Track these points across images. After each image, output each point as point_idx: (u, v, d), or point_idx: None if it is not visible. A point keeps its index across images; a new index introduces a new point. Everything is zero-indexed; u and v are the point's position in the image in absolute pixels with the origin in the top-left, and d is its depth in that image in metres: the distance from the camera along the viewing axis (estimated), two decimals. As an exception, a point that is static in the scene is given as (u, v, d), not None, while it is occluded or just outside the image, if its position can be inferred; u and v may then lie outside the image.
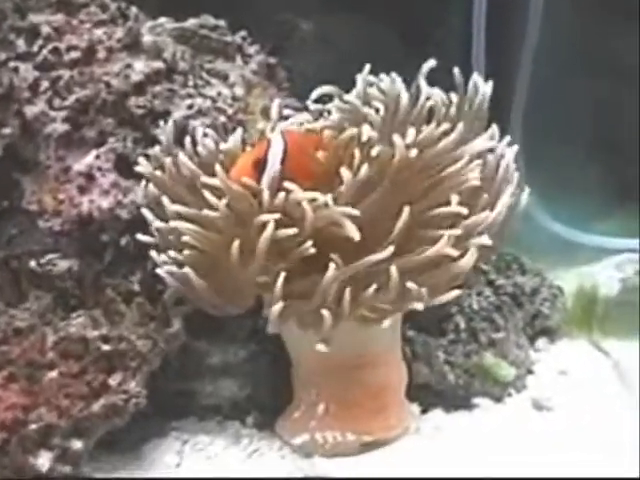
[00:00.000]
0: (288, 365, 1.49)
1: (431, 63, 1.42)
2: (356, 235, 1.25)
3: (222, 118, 1.49)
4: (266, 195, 1.27)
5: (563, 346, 1.77)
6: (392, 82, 1.42)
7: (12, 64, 1.46)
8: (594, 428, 1.45)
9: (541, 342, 1.75)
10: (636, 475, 1.28)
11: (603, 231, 2.22)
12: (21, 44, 1.48)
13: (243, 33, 1.67)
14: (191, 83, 1.52)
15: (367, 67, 1.45)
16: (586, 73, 2.27)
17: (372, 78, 1.46)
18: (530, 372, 1.64)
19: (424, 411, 1.54)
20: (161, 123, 1.45)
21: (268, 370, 1.53)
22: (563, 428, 1.47)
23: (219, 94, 1.52)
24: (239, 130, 1.42)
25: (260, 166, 1.30)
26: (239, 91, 1.55)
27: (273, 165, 1.29)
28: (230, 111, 1.51)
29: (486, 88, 1.44)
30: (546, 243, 2.15)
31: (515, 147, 1.43)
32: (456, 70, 1.43)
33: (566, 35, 2.19)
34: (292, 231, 1.25)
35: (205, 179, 1.32)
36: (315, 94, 1.46)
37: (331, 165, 1.34)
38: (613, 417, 1.48)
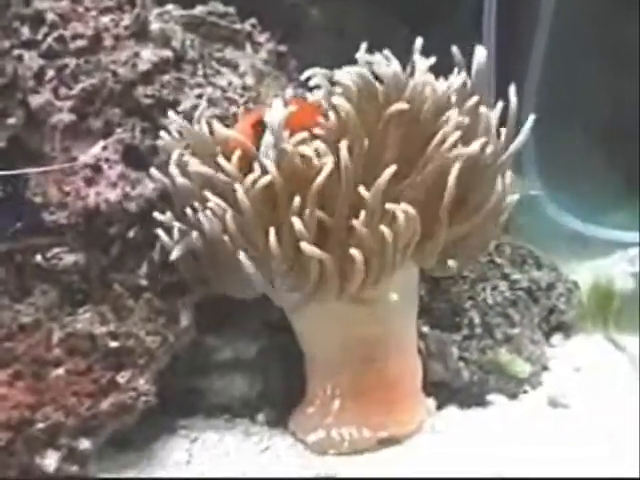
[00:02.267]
0: (300, 360, 1.47)
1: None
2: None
3: (233, 108, 1.46)
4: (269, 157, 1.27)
5: (578, 342, 1.75)
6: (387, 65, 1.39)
7: (16, 52, 1.43)
8: (610, 425, 1.43)
9: (556, 338, 1.74)
10: (636, 475, 1.26)
11: (615, 224, 2.19)
12: (25, 32, 1.44)
13: (253, 20, 1.64)
14: (200, 72, 1.49)
15: (363, 46, 1.42)
16: (600, 63, 2.25)
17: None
18: (545, 368, 1.62)
19: (438, 408, 1.52)
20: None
21: (279, 365, 1.51)
22: (579, 425, 1.44)
23: (229, 84, 1.49)
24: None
25: (259, 127, 1.29)
26: (250, 80, 1.52)
27: (272, 127, 1.28)
28: (241, 101, 1.47)
29: (481, 57, 1.41)
30: (557, 236, 2.12)
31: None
32: (455, 50, 1.41)
33: (580, 24, 2.17)
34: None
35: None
36: (305, 75, 1.42)
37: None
38: (630, 414, 1.45)
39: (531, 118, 1.40)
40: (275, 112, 1.29)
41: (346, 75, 1.36)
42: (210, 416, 1.51)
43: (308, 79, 1.40)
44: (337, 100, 1.31)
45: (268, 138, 1.29)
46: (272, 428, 1.48)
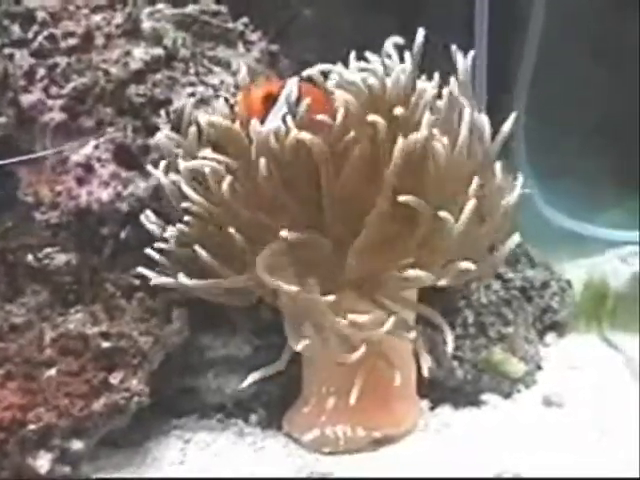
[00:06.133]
0: (293, 360, 1.45)
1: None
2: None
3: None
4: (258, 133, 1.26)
5: (572, 341, 1.75)
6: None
7: (7, 51, 1.44)
8: (605, 424, 1.43)
9: (550, 337, 1.73)
10: (636, 475, 1.26)
11: (607, 222, 2.19)
12: (16, 30, 1.45)
13: (245, 19, 1.63)
14: (192, 71, 1.48)
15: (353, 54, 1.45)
16: (593, 59, 2.25)
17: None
18: (539, 367, 1.62)
19: (432, 407, 1.52)
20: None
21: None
22: (573, 425, 1.44)
23: (221, 82, 1.49)
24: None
25: (269, 101, 1.27)
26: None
27: (282, 106, 1.27)
28: (232, 100, 1.47)
29: (466, 62, 1.40)
30: (550, 234, 2.12)
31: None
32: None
33: (574, 20, 2.17)
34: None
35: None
36: (315, 70, 1.41)
37: None
38: (624, 413, 1.45)
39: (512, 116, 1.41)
40: (292, 87, 1.28)
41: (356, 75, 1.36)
42: (203, 416, 1.51)
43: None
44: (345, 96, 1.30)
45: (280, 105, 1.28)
46: (265, 429, 1.48)
